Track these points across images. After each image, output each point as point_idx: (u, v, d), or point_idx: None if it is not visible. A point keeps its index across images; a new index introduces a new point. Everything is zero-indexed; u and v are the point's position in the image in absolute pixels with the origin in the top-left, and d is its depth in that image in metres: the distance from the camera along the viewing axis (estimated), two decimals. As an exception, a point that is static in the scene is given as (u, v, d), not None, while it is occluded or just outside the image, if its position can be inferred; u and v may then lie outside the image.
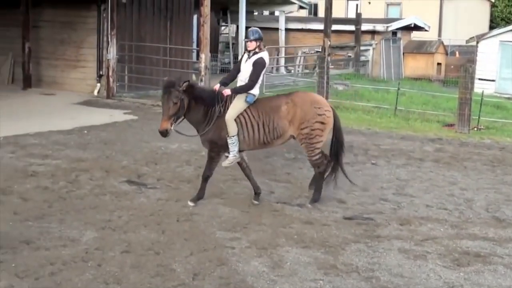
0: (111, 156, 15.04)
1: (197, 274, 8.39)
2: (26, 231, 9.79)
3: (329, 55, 22.78)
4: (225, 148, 11.61)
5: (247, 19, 33.11)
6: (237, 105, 11.42)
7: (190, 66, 28.22)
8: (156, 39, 27.04)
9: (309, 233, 10.08)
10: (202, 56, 23.17)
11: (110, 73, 25.02)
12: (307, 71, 33.39)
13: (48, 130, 17.92)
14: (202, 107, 11.44)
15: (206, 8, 22.95)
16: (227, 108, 11.51)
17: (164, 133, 11.00)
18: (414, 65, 35.41)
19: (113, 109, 22.65)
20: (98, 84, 25.77)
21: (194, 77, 26.73)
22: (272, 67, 31.98)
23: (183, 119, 11.52)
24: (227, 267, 8.64)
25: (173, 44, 27.56)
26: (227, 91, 11.47)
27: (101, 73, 25.77)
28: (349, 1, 48.23)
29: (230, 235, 9.91)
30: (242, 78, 11.64)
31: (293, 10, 37.00)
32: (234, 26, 35.34)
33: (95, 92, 25.63)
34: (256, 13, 38.72)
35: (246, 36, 11.79)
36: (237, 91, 11.49)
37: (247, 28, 33.19)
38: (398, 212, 11.55)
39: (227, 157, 11.65)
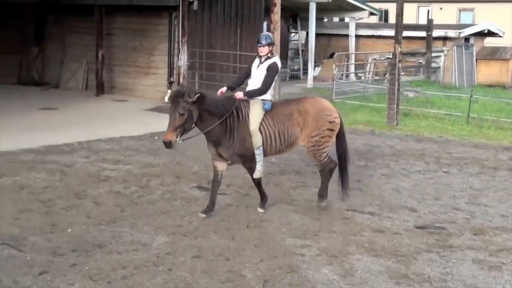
0: (181, 162, 15.14)
1: (267, 281, 8.37)
2: (99, 234, 9.91)
3: (400, 61, 22.37)
4: (253, 157, 11.22)
5: (317, 26, 33.14)
6: (257, 114, 11.06)
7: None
8: (227, 46, 27.13)
9: (380, 242, 9.98)
10: (273, 62, 23.07)
11: (181, 80, 25.17)
12: (377, 78, 33.16)
13: (120, 136, 18.11)
14: (217, 119, 10.74)
15: (277, 15, 23.00)
16: (246, 116, 11.12)
17: (168, 145, 10.38)
18: (488, 72, 34.85)
19: (183, 115, 22.68)
20: (169, 91, 25.81)
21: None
22: (342, 74, 31.84)
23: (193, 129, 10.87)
24: (297, 275, 8.60)
25: (243, 51, 27.60)
26: (239, 94, 11.05)
27: (172, 79, 25.92)
28: (420, 7, 47.73)
29: (300, 242, 9.87)
30: (254, 84, 11.29)
31: (363, 16, 36.81)
32: (304, 32, 35.25)
33: (166, 99, 25.71)
34: (326, 20, 38.61)
35: (258, 41, 11.32)
36: (250, 94, 11.13)
37: (317, 35, 33.34)
38: (471, 221, 11.36)
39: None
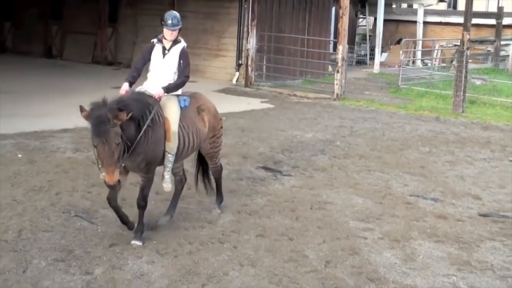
0: (248, 143, 15.17)
1: (329, 261, 8.37)
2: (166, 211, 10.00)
3: (468, 49, 22.06)
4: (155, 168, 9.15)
5: (385, 12, 33.01)
6: (175, 113, 8.89)
7: (327, 57, 28.18)
8: (295, 30, 27.08)
9: (442, 228, 9.89)
10: (340, 47, 22.94)
11: (249, 63, 25.22)
12: (443, 64, 32.75)
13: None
14: (132, 122, 8.34)
15: (346, 0, 22.83)
16: (160, 116, 8.83)
17: (116, 185, 8.11)
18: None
19: (250, 97, 22.85)
20: (237, 73, 26.02)
21: (330, 68, 26.70)
22: (409, 60, 31.55)
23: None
24: (359, 257, 8.58)
25: (311, 36, 27.50)
26: (160, 92, 8.61)
27: (240, 62, 26.01)
28: (491, -5, 47.03)
29: (363, 225, 9.83)
30: (160, 76, 8.91)
31: (432, 3, 36.42)
32: (372, 18, 35.03)
33: (234, 81, 25.89)
34: (394, 6, 38.26)
35: (167, 23, 9.04)
36: (171, 89, 8.85)
37: (385, 20, 33.06)
38: (536, 211, 11.19)
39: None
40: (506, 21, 33.78)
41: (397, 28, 36.25)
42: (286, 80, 25.75)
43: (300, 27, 27.59)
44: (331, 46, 27.95)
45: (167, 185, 9.05)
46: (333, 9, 28.99)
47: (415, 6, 36.90)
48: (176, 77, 9.00)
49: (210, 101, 10.11)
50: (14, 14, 33.12)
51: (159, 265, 8.01)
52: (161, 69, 8.89)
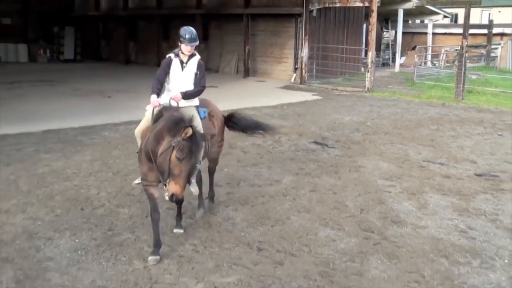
0: (303, 124, 15.16)
1: (363, 209, 8.33)
2: (245, 173, 10.08)
3: (466, 52, 21.79)
4: None
5: (403, 26, 32.85)
6: (199, 124, 6.98)
7: (359, 61, 28.00)
8: (336, 41, 26.91)
9: (447, 184, 9.75)
10: (370, 54, 22.86)
11: (303, 66, 25.24)
12: (448, 64, 32.19)
13: (260, 105, 18.30)
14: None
15: (373, 18, 22.70)
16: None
17: (182, 199, 6.31)
18: (534, 59, 33.36)
19: (304, 91, 22.79)
20: (294, 74, 26.06)
21: (362, 69, 26.47)
22: (421, 62, 31.11)
23: None
24: (385, 206, 8.53)
25: (348, 45, 27.32)
26: (178, 96, 6.97)
27: (296, 66, 26.08)
28: (483, 11, 45.79)
29: (387, 183, 9.75)
30: (181, 86, 7.13)
31: (438, 19, 35.95)
32: (393, 31, 34.58)
33: (292, 80, 25.91)
34: (410, 22, 37.71)
35: (187, 39, 7.02)
36: (188, 95, 7.11)
37: (403, 33, 32.63)
38: (517, 171, 10.96)
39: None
40: (495, 30, 33.27)
41: (412, 38, 35.71)
42: (330, 79, 25.68)
43: (340, 39, 27.38)
44: (363, 52, 27.64)
45: (195, 189, 7.08)
46: (364, 25, 28.64)
47: (426, 21, 36.43)
48: (192, 87, 7.12)
49: (217, 107, 8.22)
50: (138, 36, 33.61)
51: (241, 212, 8.09)
52: (180, 81, 7.11)
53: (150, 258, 6.27)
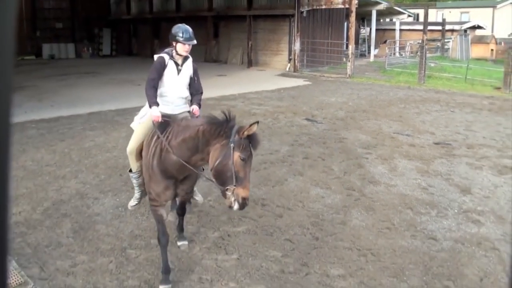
0: (296, 105, 15.17)
1: (346, 172, 8.40)
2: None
3: (425, 45, 21.73)
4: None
5: (376, 24, 32.63)
6: None
7: (342, 52, 27.80)
8: (322, 37, 26.69)
9: (412, 151, 9.81)
10: (350, 46, 22.73)
11: (296, 57, 25.05)
12: (412, 55, 31.95)
13: (261, 90, 18.28)
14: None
15: (353, 18, 22.57)
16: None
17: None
18: (477, 51, 33.09)
19: (297, 78, 22.70)
20: (289, 64, 25.88)
21: (344, 59, 26.31)
22: (391, 53, 30.93)
23: None
24: (363, 169, 8.60)
25: (332, 40, 27.14)
26: (197, 110, 5.00)
27: (290, 57, 25.89)
28: (438, 11, 45.40)
29: (365, 151, 9.81)
30: (177, 92, 5.07)
31: (404, 17, 35.76)
32: (368, 28, 34.31)
33: (287, 69, 25.75)
34: (381, 20, 37.43)
35: (182, 37, 4.96)
36: (200, 105, 5.16)
37: (376, 30, 32.42)
38: (466, 140, 10.98)
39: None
40: (447, 27, 33.19)
41: (384, 34, 35.33)
42: (318, 67, 25.52)
43: (326, 35, 27.15)
44: (344, 45, 27.43)
45: (200, 197, 5.66)
46: (345, 23, 28.38)
47: (394, 20, 36.14)
48: (187, 92, 5.12)
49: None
50: (161, 34, 33.50)
51: (247, 175, 8.18)
52: (176, 86, 5.04)
53: (160, 287, 4.78)
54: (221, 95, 16.56)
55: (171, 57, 5.03)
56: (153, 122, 4.76)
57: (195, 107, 5.01)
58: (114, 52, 37.88)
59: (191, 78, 5.15)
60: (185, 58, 5.11)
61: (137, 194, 5.51)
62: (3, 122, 0.70)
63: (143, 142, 4.98)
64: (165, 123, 4.72)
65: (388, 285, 4.87)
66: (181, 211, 5.54)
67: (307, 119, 12.88)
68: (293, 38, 25.37)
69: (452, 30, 33.97)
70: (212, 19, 29.65)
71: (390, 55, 29.71)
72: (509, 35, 33.82)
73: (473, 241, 5.88)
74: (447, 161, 9.24)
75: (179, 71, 5.07)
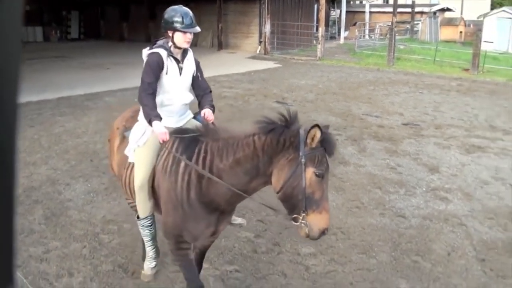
0: (267, 87, 15.19)
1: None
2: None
3: (395, 27, 21.92)
4: None
5: (346, 6, 32.85)
6: None
7: (312, 35, 27.86)
8: (292, 19, 26.73)
9: (381, 132, 9.98)
10: (320, 29, 22.89)
11: (266, 40, 25.04)
12: (382, 37, 32.22)
13: (232, 73, 18.24)
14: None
15: (323, 0, 22.72)
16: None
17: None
18: (446, 33, 33.50)
19: (267, 61, 22.68)
20: (259, 47, 25.83)
21: (314, 41, 26.39)
22: (361, 35, 31.15)
23: None
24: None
25: (303, 22, 27.18)
26: (210, 115, 3.80)
27: (261, 40, 25.85)
28: (408, -6, 46.01)
29: (335, 132, 9.84)
30: (181, 97, 3.83)
31: (374, 0, 36.03)
32: (339, 10, 34.44)
33: (257, 51, 25.70)
34: (351, 2, 37.59)
35: (183, 23, 3.65)
36: (213, 108, 3.95)
37: (346, 12, 32.53)
38: (434, 121, 11.22)
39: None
40: (416, 9, 33.54)
41: (354, 16, 35.48)
42: (288, 50, 25.56)
43: (296, 17, 27.19)
44: (315, 28, 27.47)
45: (241, 219, 4.43)
46: (315, 5, 28.42)
47: (364, 2, 36.35)
48: (191, 95, 3.93)
49: None
50: (129, 17, 33.02)
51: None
52: (179, 89, 3.79)
53: None
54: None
55: (169, 52, 3.73)
56: (161, 142, 3.60)
57: (207, 111, 3.79)
58: (82, 36, 37.11)
59: (193, 77, 3.91)
60: (184, 52, 3.84)
61: (151, 252, 4.24)
62: (10, 123, 0.71)
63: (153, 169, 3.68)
64: (188, 141, 3.51)
65: (358, 261, 4.99)
66: (200, 265, 4.16)
67: (278, 102, 12.92)
68: (264, 20, 25.31)
69: (422, 13, 34.32)
70: (182, 1, 29.25)
71: (360, 38, 29.92)
72: (478, 18, 34.34)
73: (441, 218, 6.06)
74: (415, 141, 9.43)
75: (180, 70, 3.80)
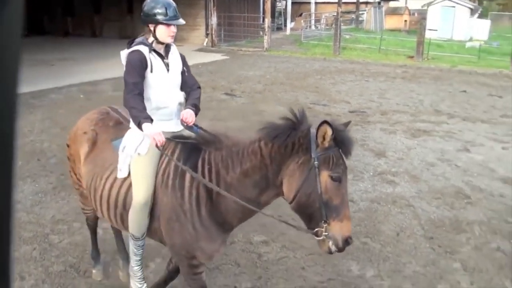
0: (215, 80, 15.16)
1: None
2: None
3: (340, 17, 22.34)
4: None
5: (292, -3, 33.08)
6: None
7: (258, 26, 27.96)
8: (239, 11, 26.75)
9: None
10: (266, 20, 23.08)
11: (213, 32, 24.96)
12: (327, 27, 32.65)
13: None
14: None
15: (268, -8, 22.77)
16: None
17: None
18: (391, 22, 34.29)
19: (215, 53, 22.63)
20: (206, 39, 25.70)
21: (261, 33, 26.48)
22: (307, 26, 31.44)
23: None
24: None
25: (249, 14, 27.22)
26: (191, 116, 3.30)
27: (207, 32, 25.73)
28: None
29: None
30: (170, 97, 3.38)
31: (319, -10, 36.59)
32: (284, 1, 34.65)
33: (204, 44, 25.58)
34: (297, -7, 38.04)
35: (168, 15, 3.34)
36: (198, 108, 3.46)
37: (292, 3, 32.72)
38: (380, 107, 11.52)
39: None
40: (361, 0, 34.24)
41: (299, 7, 35.80)
42: (235, 41, 25.56)
43: (242, 9, 27.21)
44: (261, 19, 27.57)
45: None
46: (261, -3, 28.63)
47: (309, -8, 36.87)
48: (182, 94, 3.50)
49: None
50: (74, 11, 32.21)
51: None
52: (171, 87, 3.41)
53: None
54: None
55: (150, 48, 3.32)
56: (157, 146, 3.15)
57: (185, 113, 3.28)
58: (25, 31, 35.87)
59: (182, 73, 3.50)
60: (167, 47, 3.45)
61: (139, 273, 3.73)
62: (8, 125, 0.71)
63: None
64: (190, 150, 3.17)
65: (309, 246, 5.09)
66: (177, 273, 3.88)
67: (226, 94, 12.93)
68: (210, 12, 25.17)
69: (367, 3, 34.95)
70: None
71: (306, 28, 30.20)
72: (422, 6, 35.30)
73: (389, 200, 6.25)
74: (362, 127, 9.65)
75: (167, 66, 3.39)
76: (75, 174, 3.91)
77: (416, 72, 17.00)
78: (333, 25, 24.73)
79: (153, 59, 3.30)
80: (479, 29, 29.22)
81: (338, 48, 21.64)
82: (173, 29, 3.34)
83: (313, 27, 33.44)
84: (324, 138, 2.71)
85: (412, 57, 20.63)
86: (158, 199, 3.19)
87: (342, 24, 23.84)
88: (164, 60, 3.37)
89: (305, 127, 2.82)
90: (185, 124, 3.29)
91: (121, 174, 3.35)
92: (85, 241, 5.10)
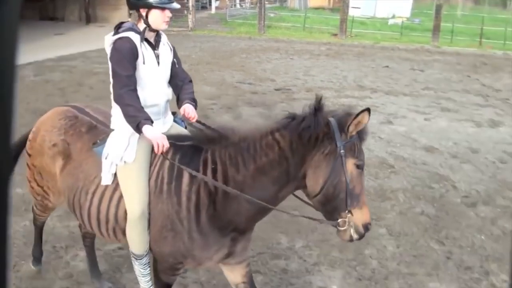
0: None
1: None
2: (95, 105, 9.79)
3: (263, -5, 22.55)
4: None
5: (216, -25, 32.70)
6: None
7: (183, 5, 27.46)
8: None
9: (255, 98, 10.23)
10: (190, -1, 22.73)
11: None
12: (252, 6, 32.72)
13: (102, 48, 17.27)
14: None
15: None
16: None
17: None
18: (315, 0, 34.77)
19: (139, 34, 22.13)
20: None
21: (185, 12, 26.11)
22: (232, 4, 31.33)
23: None
24: (209, 119, 8.68)
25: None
26: (192, 112, 3.00)
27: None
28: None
29: (210, 101, 9.92)
30: (161, 91, 3.00)
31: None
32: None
33: (128, 25, 24.97)
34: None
35: (162, 2, 2.87)
36: (195, 102, 3.11)
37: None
38: (305, 85, 11.71)
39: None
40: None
41: (223, -14, 35.73)
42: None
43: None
44: (185, -1, 27.27)
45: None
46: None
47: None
48: (168, 88, 3.11)
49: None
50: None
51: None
52: (160, 82, 3.01)
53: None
54: (59, 55, 15.56)
55: (142, 36, 2.92)
56: (162, 155, 2.84)
57: (187, 107, 3.00)
58: None
59: (172, 64, 3.12)
60: (157, 35, 3.05)
61: None
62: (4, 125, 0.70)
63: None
64: (188, 151, 2.87)
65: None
66: None
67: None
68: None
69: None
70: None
71: (231, 7, 30.12)
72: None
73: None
74: (287, 105, 9.78)
75: (157, 58, 3.00)
76: (41, 187, 3.49)
77: (340, 49, 17.40)
78: (258, 4, 24.82)
79: (144, 50, 2.90)
80: (401, 7, 30.17)
81: (263, 26, 21.74)
82: (168, 13, 2.93)
83: (238, 6, 33.38)
84: (356, 126, 2.60)
85: (336, 34, 21.08)
86: (151, 206, 2.87)
87: (266, 2, 23.96)
88: (155, 51, 2.98)
89: (326, 115, 2.68)
90: (188, 120, 3.02)
91: (105, 181, 2.98)
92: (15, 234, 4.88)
